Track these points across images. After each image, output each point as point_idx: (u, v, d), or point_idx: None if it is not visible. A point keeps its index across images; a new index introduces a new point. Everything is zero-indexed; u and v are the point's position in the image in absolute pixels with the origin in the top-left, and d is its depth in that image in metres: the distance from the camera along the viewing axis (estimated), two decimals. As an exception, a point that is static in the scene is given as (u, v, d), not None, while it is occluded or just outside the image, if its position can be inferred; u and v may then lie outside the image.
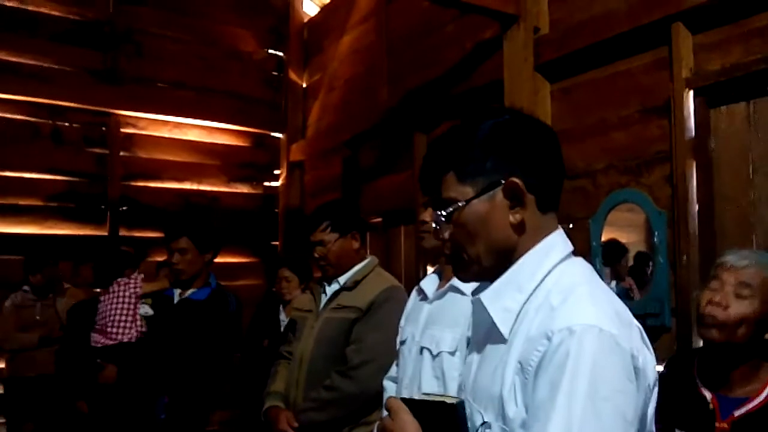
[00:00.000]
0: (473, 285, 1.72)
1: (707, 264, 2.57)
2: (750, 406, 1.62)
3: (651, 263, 2.82)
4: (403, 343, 1.96)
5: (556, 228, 1.08)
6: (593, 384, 0.89)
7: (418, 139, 4.28)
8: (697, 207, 2.60)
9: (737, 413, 1.62)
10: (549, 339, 0.93)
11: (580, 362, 0.90)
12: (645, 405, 0.96)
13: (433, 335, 1.82)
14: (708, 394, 1.68)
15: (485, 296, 1.06)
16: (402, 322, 2.04)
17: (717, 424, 1.63)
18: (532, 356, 0.94)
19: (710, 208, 2.61)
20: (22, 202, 4.99)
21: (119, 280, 4.03)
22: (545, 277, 1.02)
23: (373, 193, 4.82)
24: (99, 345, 3.89)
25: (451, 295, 1.85)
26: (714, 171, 2.63)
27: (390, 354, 2.08)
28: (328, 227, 2.48)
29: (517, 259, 1.05)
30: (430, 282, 1.96)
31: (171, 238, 2.84)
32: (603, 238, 2.99)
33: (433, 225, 1.09)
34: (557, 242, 1.06)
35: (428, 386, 1.73)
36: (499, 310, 1.03)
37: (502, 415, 0.97)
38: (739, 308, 1.63)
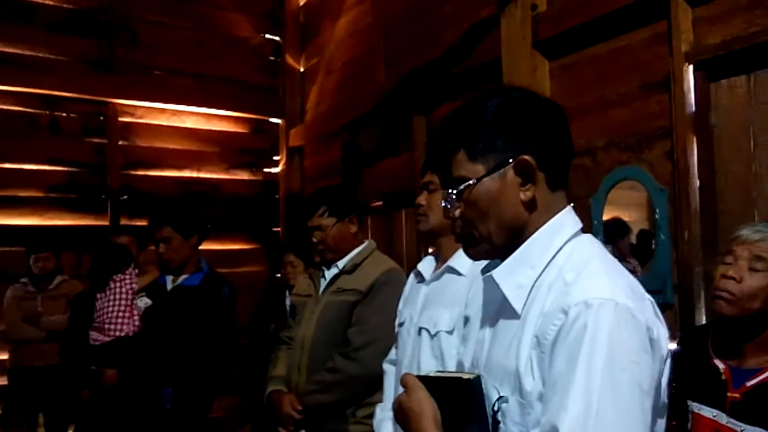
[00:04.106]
0: (469, 265, 1.73)
1: (709, 240, 2.57)
2: (763, 376, 1.62)
3: (653, 240, 2.81)
4: (401, 325, 1.96)
5: (565, 206, 1.08)
6: (611, 356, 0.91)
7: (418, 121, 4.25)
8: (698, 182, 2.57)
9: (749, 383, 1.62)
10: (565, 313, 0.94)
11: (597, 335, 0.92)
12: (660, 376, 0.98)
13: (430, 316, 1.82)
14: (721, 365, 1.69)
15: (497, 273, 1.06)
16: (400, 305, 2.04)
17: (729, 394, 1.64)
18: (548, 330, 0.96)
19: (712, 183, 2.59)
20: (22, 194, 4.98)
21: (115, 277, 4.03)
22: (556, 253, 1.04)
23: (374, 177, 4.81)
24: (98, 343, 3.90)
25: (447, 275, 1.85)
26: (715, 145, 2.60)
27: (391, 335, 2.09)
28: (326, 212, 2.49)
29: (528, 236, 1.05)
30: (426, 264, 1.96)
31: (154, 230, 2.87)
32: (605, 217, 2.97)
33: (444, 203, 1.09)
34: (568, 220, 1.07)
35: (427, 366, 1.74)
36: (511, 286, 1.04)
37: (519, 389, 0.98)
38: (753, 281, 1.64)
